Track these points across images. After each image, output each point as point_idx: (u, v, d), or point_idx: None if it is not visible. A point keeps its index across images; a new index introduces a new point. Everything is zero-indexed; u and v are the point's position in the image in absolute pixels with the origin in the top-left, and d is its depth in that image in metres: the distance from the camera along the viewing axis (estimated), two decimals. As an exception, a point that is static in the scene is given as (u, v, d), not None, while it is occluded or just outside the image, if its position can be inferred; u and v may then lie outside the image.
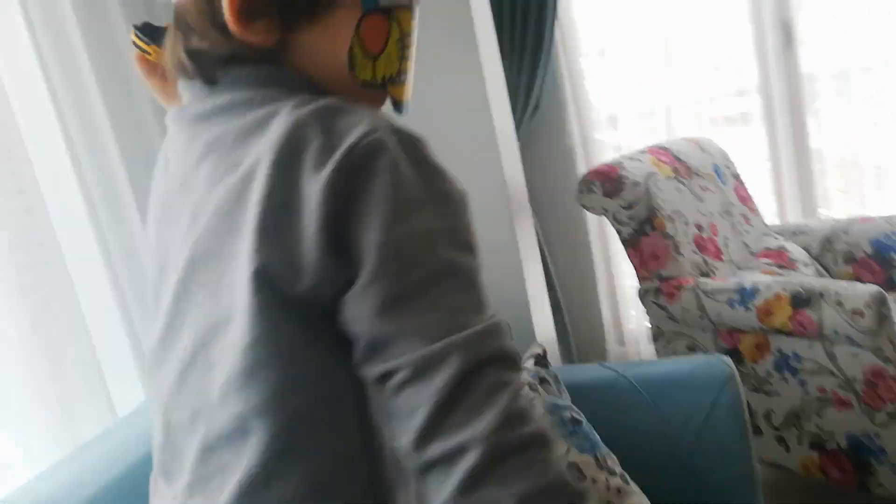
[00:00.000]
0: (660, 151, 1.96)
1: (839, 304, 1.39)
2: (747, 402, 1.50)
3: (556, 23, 2.20)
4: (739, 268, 1.81)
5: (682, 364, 1.11)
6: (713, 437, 0.97)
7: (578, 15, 2.37)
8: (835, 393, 1.42)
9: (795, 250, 1.88)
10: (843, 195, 2.33)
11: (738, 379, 1.03)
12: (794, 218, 2.25)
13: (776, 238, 1.93)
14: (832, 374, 1.42)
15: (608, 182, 1.75)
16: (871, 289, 1.38)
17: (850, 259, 1.89)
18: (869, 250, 1.86)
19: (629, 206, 1.74)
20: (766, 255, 1.83)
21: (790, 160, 2.26)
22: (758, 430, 1.53)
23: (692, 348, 1.63)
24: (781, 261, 1.81)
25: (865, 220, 1.90)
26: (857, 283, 1.44)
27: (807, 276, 1.78)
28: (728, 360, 1.06)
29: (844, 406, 1.41)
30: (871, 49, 2.20)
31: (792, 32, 2.21)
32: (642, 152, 1.93)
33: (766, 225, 2.02)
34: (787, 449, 1.51)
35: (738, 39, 2.28)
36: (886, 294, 1.40)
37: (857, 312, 1.37)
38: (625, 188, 1.74)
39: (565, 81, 2.34)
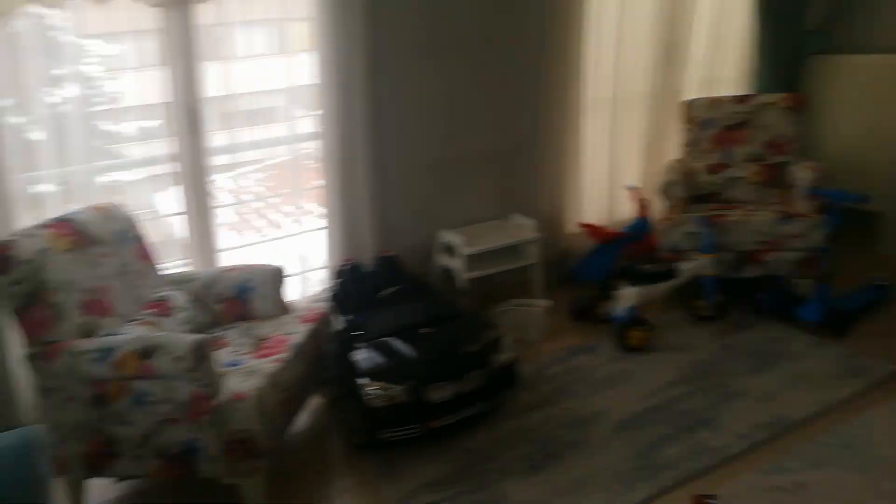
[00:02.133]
0: (61, 225, 2.29)
1: (169, 353, 1.99)
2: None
3: None
4: (128, 321, 2.30)
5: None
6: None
7: None
8: (170, 414, 2.03)
9: (178, 297, 2.47)
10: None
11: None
12: (198, 266, 2.87)
13: (163, 290, 2.48)
14: (170, 401, 2.02)
15: (-2, 261, 2.02)
16: (191, 340, 2.02)
17: (221, 299, 2.58)
18: (232, 293, 2.58)
19: (18, 283, 2.04)
20: (150, 307, 2.37)
21: (195, 218, 2.87)
22: (115, 455, 2.07)
23: (76, 399, 2.06)
24: (162, 310, 2.38)
25: (230, 269, 2.62)
26: (185, 336, 2.06)
27: (157, 334, 2.27)
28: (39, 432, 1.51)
29: (176, 423, 2.03)
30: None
31: (198, 117, 2.77)
32: (41, 227, 2.23)
33: (160, 276, 2.56)
34: (140, 464, 2.07)
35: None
36: (236, 325, 2.05)
37: (179, 358, 1.98)
38: (12, 267, 2.03)
39: None
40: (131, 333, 2.16)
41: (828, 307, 3.07)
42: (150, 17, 2.62)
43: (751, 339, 3.11)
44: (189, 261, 2.90)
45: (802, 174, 3.43)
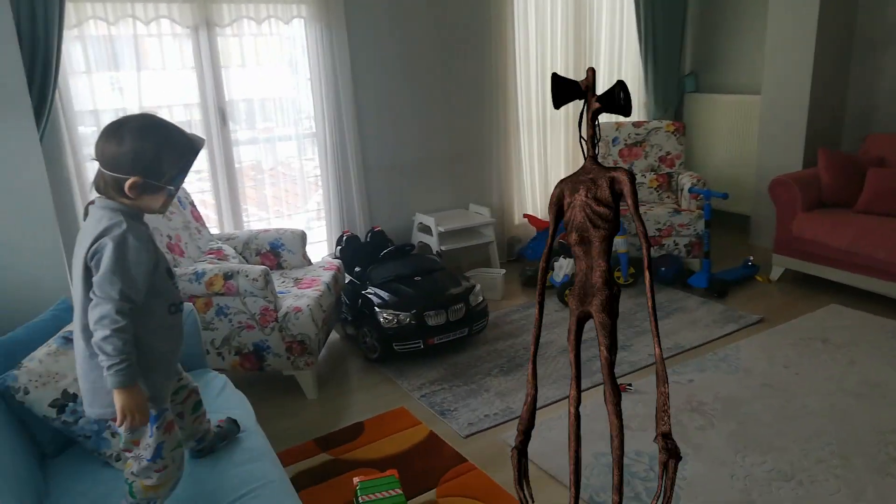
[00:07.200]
0: (141, 187, 2.93)
1: (246, 276, 2.67)
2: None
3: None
4: (195, 261, 2.95)
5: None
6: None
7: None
8: (246, 322, 2.70)
9: (228, 249, 3.13)
10: (256, 216, 3.75)
11: None
12: (229, 228, 3.54)
13: (217, 242, 3.14)
14: (244, 312, 2.69)
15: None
16: (261, 268, 2.71)
17: (258, 252, 3.26)
18: (267, 248, 3.26)
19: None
20: (210, 253, 3.03)
21: (226, 194, 3.54)
22: (207, 352, 2.70)
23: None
24: (219, 256, 3.04)
25: (264, 231, 3.31)
26: (255, 266, 2.75)
27: (231, 263, 3.04)
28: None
29: (250, 328, 2.70)
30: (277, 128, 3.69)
31: (225, 114, 3.48)
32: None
33: (210, 234, 3.22)
34: (223, 359, 2.72)
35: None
36: (271, 271, 2.74)
37: (255, 279, 2.66)
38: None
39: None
40: (207, 266, 2.81)
41: (710, 277, 4.09)
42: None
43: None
44: (220, 222, 3.57)
45: (685, 181, 4.50)
